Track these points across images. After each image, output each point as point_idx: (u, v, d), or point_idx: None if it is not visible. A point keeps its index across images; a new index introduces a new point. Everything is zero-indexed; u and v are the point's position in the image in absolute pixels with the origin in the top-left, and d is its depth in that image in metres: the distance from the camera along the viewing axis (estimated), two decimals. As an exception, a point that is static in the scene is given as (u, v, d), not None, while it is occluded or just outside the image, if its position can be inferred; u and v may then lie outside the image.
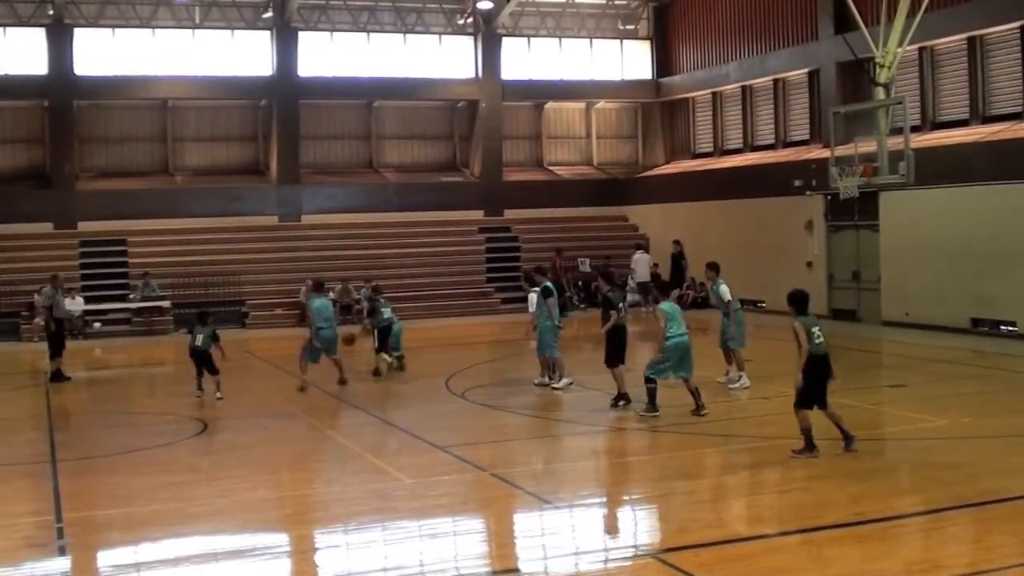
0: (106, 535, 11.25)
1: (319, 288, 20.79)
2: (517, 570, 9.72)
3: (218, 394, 18.30)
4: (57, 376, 21.57)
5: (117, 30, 35.56)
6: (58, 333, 22.13)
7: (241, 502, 12.14)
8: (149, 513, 11.67)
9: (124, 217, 34.25)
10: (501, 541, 10.92)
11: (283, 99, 36.50)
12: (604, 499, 12.26)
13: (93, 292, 31.40)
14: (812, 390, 12.75)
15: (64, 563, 10.27)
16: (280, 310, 31.90)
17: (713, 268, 18.75)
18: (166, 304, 31.14)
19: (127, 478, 13.30)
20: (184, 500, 12.18)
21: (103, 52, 35.26)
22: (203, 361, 18.59)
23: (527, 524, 11.34)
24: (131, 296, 31.67)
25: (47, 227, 34.22)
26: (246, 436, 15.93)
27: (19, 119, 35.59)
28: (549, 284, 19.18)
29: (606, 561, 9.83)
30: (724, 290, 18.27)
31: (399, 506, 11.68)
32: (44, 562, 10.35)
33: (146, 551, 10.58)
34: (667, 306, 16.08)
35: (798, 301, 13.16)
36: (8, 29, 34.67)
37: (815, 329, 12.82)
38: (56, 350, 21.84)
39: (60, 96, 34.74)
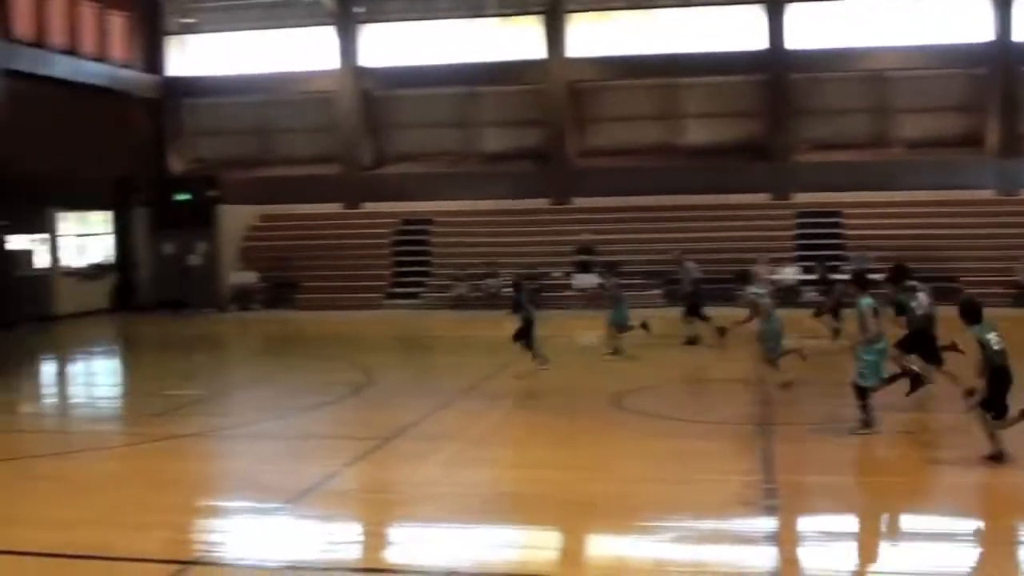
0: (816, 501, 11.42)
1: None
2: None
3: None
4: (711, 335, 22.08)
5: (828, 3, 35.85)
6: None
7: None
8: (864, 484, 11.65)
9: (838, 189, 34.45)
10: None
11: (1005, 67, 34.65)
12: None
13: (807, 263, 31.98)
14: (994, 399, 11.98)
15: (771, 523, 10.52)
16: (999, 288, 30.35)
17: None
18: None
19: (837, 448, 13.39)
20: (899, 474, 11.98)
21: (816, 25, 35.64)
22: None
23: None
24: (842, 268, 31.77)
25: (764, 197, 35.43)
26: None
27: (739, 93, 37.02)
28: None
29: None
30: None
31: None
32: (751, 519, 10.68)
33: (849, 523, 10.59)
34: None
35: (969, 312, 12.38)
36: (728, 7, 36.34)
37: (991, 336, 12.14)
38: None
39: (776, 70, 35.72)
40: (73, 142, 33.98)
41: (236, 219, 37.23)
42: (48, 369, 25.55)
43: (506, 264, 33.41)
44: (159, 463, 13.77)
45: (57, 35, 34.72)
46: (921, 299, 16.38)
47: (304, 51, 39.44)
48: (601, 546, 10.34)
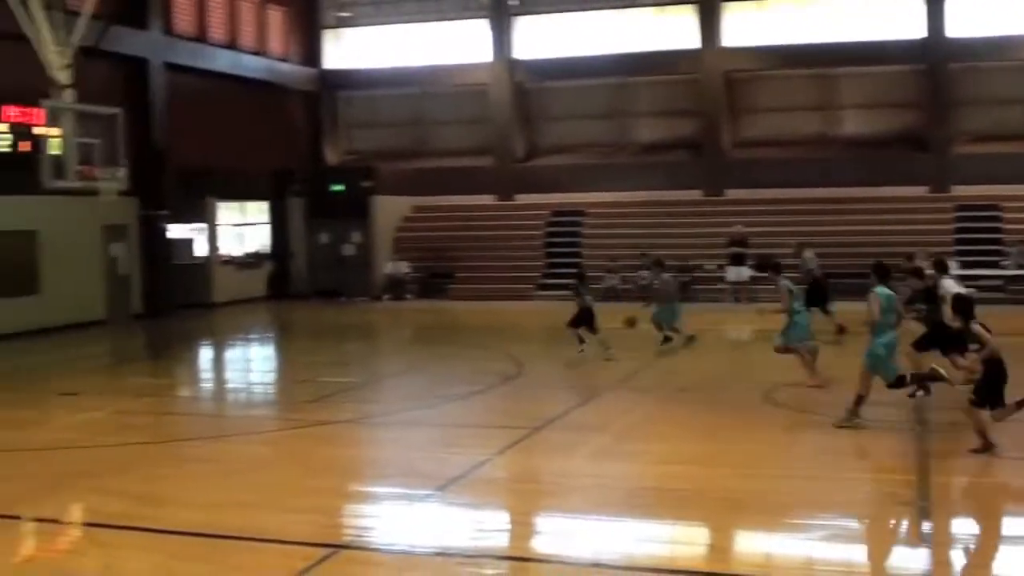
0: (969, 502, 11.06)
1: None
2: None
3: None
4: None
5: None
6: None
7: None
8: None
9: (999, 182, 33.24)
10: None
11: None
12: None
13: (967, 258, 30.94)
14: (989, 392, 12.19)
15: (922, 523, 10.14)
16: None
17: None
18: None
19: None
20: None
21: (976, 13, 34.38)
22: None
23: None
24: (1004, 263, 30.73)
25: (922, 191, 34.42)
26: None
27: (896, 83, 36.01)
28: None
29: None
30: None
31: None
32: (902, 519, 10.44)
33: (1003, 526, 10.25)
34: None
35: (964, 309, 12.84)
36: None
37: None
38: None
39: (935, 59, 34.64)
40: (232, 134, 34.86)
41: (390, 210, 37.72)
42: (205, 355, 26.26)
43: (658, 256, 33.11)
44: (311, 448, 13.99)
45: (217, 30, 35.61)
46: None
47: (458, 44, 39.71)
48: (748, 543, 10.12)
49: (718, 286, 31.96)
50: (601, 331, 20.70)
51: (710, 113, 37.29)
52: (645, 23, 37.80)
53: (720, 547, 9.92)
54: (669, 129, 38.22)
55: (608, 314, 21.75)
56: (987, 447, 12.28)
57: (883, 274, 14.27)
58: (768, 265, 19.72)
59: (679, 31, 37.29)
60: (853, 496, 11.15)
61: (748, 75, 37.39)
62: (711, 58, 36.94)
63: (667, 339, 21.49)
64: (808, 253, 25.12)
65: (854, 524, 10.34)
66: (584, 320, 20.61)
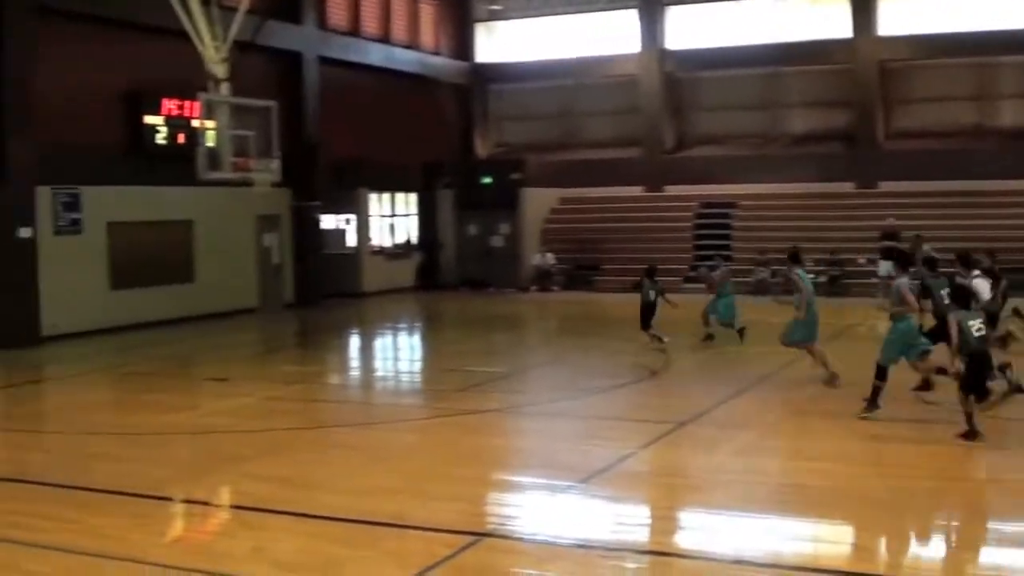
0: None
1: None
2: None
3: None
4: None
5: None
6: None
7: None
8: None
9: None
10: None
11: None
12: None
13: None
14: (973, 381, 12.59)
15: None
16: None
17: None
18: None
19: None
20: None
21: None
22: None
23: None
24: None
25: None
26: None
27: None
28: None
29: None
30: None
31: None
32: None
33: None
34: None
35: (959, 297, 13.56)
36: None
37: (972, 322, 12.67)
38: None
39: None
40: (384, 127, 35.39)
41: (538, 201, 37.80)
42: (354, 343, 26.67)
43: (809, 249, 32.57)
44: (456, 437, 14.11)
45: (370, 24, 36.12)
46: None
47: (607, 35, 39.56)
48: (893, 543, 9.81)
49: (871, 280, 31.19)
50: (656, 327, 20.97)
51: (863, 103, 36.44)
52: (798, 12, 37.11)
53: (865, 547, 9.66)
54: (821, 120, 37.50)
55: (755, 309, 21.45)
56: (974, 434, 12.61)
57: (903, 263, 15.39)
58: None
59: (832, 20, 36.51)
60: (1006, 499, 10.79)
61: (903, 64, 36.40)
62: (865, 47, 36.07)
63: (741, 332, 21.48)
64: (927, 247, 24.54)
65: (1007, 528, 9.99)
66: (646, 315, 20.95)
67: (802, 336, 17.11)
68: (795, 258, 17.66)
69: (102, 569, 8.87)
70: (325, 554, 9.20)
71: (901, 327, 14.40)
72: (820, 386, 16.72)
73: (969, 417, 12.65)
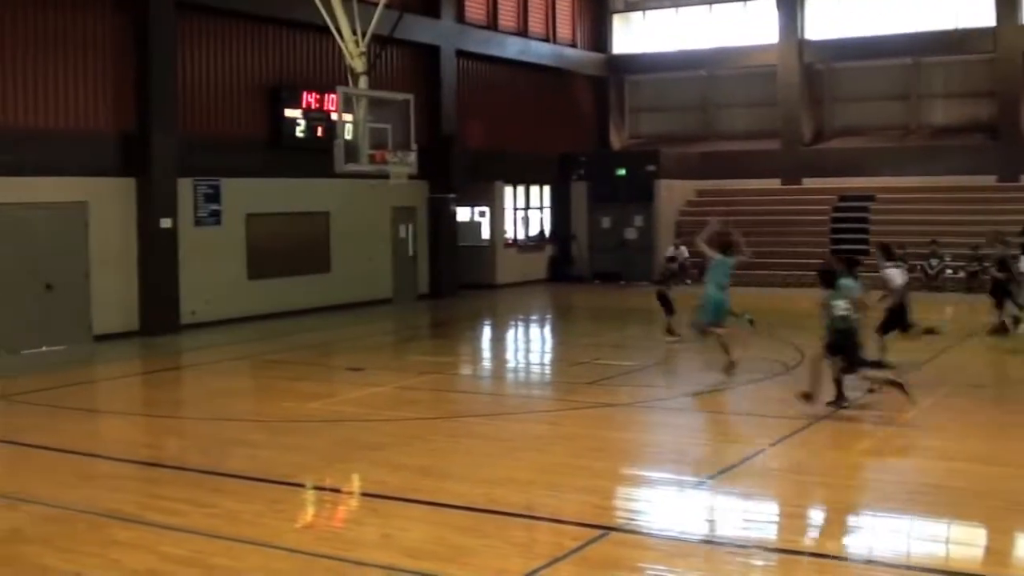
0: None
1: None
2: None
3: None
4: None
5: None
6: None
7: None
8: None
9: None
10: None
11: None
12: None
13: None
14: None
15: None
16: None
17: None
18: None
19: None
20: None
21: None
22: None
23: None
24: None
25: None
26: None
27: None
28: None
29: None
30: None
31: None
32: None
33: None
34: None
35: (824, 278, 14.80)
36: None
37: (838, 302, 14.07)
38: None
39: None
40: (520, 119, 35.58)
41: (673, 194, 37.59)
42: (487, 335, 26.86)
43: (948, 244, 31.86)
44: (587, 430, 14.14)
45: (508, 18, 36.29)
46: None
47: (745, 25, 39.11)
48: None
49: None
50: (674, 315, 21.66)
51: (1007, 94, 35.42)
52: (938, 0, 36.18)
53: (999, 550, 9.44)
54: (963, 111, 36.61)
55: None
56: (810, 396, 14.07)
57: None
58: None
59: (975, 8, 35.55)
60: None
61: (1049, 54, 35.31)
62: (1009, 36, 35.05)
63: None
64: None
65: None
66: (665, 305, 21.91)
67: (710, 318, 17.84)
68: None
69: (236, 553, 9.12)
70: (453, 543, 9.31)
71: None
72: (959, 384, 16.33)
73: (836, 382, 14.27)
